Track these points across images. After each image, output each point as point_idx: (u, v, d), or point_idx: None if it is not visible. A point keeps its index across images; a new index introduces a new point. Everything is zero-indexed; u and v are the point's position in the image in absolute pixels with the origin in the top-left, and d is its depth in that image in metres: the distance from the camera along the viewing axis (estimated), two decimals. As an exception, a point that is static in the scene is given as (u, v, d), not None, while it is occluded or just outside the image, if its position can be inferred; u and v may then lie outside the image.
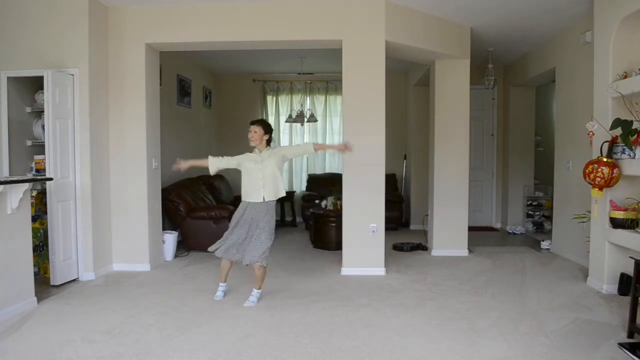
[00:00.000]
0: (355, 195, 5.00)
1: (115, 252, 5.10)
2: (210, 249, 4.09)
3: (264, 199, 3.96)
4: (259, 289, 4.03)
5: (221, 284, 4.16)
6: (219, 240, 4.04)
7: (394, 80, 8.21)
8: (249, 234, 3.96)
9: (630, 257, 3.60)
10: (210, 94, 8.45)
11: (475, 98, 6.98)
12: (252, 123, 4.10)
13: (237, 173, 9.17)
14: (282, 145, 8.82)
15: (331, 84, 8.58)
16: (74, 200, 4.64)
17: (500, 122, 8.04)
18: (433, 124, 5.92)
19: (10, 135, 4.63)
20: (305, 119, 8.14)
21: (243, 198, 4.02)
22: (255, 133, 4.02)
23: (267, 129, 4.07)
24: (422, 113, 7.69)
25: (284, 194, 4.13)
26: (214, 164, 4.09)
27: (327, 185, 7.77)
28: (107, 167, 5.02)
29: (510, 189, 7.78)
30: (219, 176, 7.86)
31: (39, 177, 4.31)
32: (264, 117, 8.78)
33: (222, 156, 4.13)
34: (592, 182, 4.04)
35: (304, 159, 8.86)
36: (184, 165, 4.08)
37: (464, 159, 5.84)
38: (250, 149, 4.11)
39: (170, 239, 5.57)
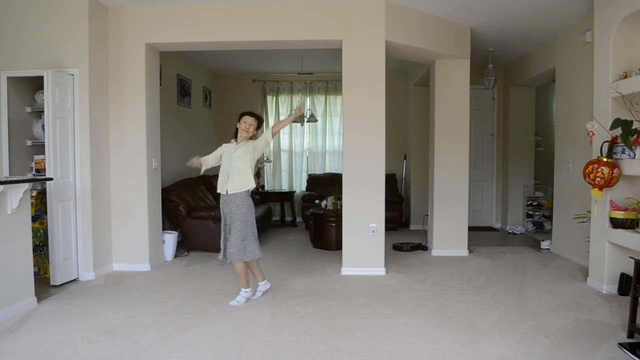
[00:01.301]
0: (355, 195, 4.99)
1: (115, 252, 5.10)
2: (219, 258, 4.00)
3: (227, 191, 3.88)
4: (243, 287, 4.01)
5: (245, 290, 4.01)
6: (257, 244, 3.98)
7: (394, 80, 8.22)
8: (227, 229, 3.92)
9: (630, 257, 3.60)
10: (210, 94, 8.45)
11: (475, 98, 7.00)
12: (249, 114, 3.98)
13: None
14: (281, 146, 8.84)
15: (331, 84, 8.58)
16: (74, 200, 4.64)
17: (500, 122, 8.04)
18: (433, 124, 5.92)
19: (10, 135, 4.63)
20: (305, 119, 8.15)
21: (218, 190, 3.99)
22: (252, 126, 3.96)
23: (261, 124, 4.06)
24: (422, 113, 7.70)
25: (251, 186, 3.95)
26: (208, 164, 4.04)
27: (327, 185, 7.78)
28: (107, 167, 5.02)
29: (510, 189, 7.78)
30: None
31: (39, 177, 4.31)
32: (264, 117, 8.79)
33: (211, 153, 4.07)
34: (592, 182, 4.04)
35: (304, 159, 8.86)
36: (196, 162, 4.01)
37: (464, 159, 5.84)
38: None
39: (170, 239, 5.57)
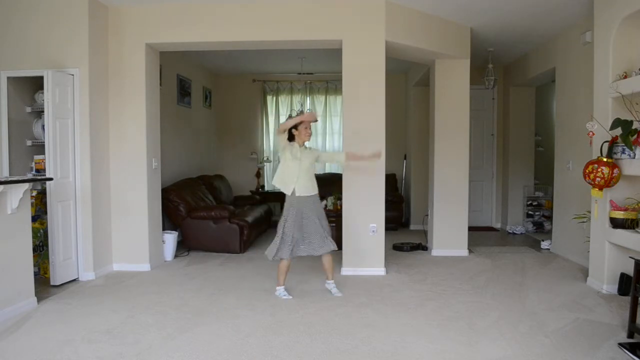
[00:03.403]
0: (355, 195, 4.99)
1: (115, 252, 5.10)
2: (270, 257, 4.09)
3: (299, 192, 4.05)
4: (333, 278, 4.28)
5: (281, 287, 4.19)
6: (276, 246, 4.04)
7: (394, 80, 8.21)
8: (298, 228, 4.07)
9: (630, 257, 3.60)
10: (210, 94, 8.45)
11: (475, 98, 6.99)
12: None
13: (237, 173, 9.14)
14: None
15: (331, 84, 8.58)
16: (74, 200, 4.64)
17: (500, 122, 8.04)
18: (433, 124, 5.92)
19: (10, 135, 4.63)
20: (305, 119, 8.13)
21: (290, 190, 4.06)
22: (310, 130, 4.16)
23: None
24: (422, 113, 7.70)
25: (316, 191, 4.21)
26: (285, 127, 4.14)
27: (327, 185, 7.75)
28: (107, 167, 5.02)
29: (510, 189, 7.78)
30: (219, 176, 7.88)
31: (39, 177, 4.31)
32: (264, 117, 8.80)
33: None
34: (592, 182, 4.04)
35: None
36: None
37: (464, 159, 5.84)
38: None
39: (170, 239, 5.57)
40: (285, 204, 4.12)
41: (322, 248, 4.11)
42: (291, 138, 4.13)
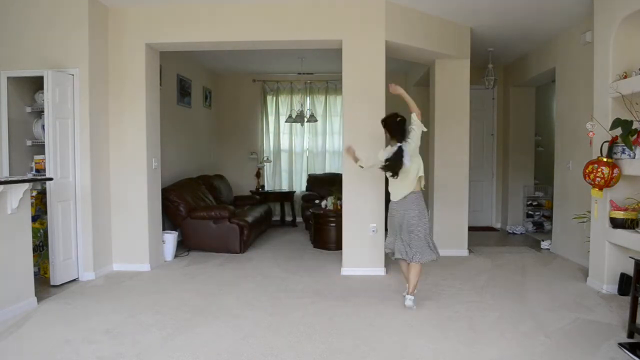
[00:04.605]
0: (355, 195, 4.99)
1: (115, 252, 5.10)
2: (433, 257, 3.83)
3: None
4: (412, 293, 3.86)
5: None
6: (428, 248, 3.83)
7: (394, 80, 8.16)
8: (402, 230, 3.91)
9: (630, 257, 3.61)
10: (210, 94, 8.45)
11: (475, 98, 6.99)
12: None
13: (237, 173, 9.13)
14: (281, 146, 8.85)
15: (331, 84, 8.58)
16: (74, 200, 4.64)
17: (500, 122, 8.04)
18: (433, 124, 5.92)
19: (10, 135, 4.63)
20: (305, 119, 8.15)
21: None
22: None
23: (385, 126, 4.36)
24: (422, 113, 7.67)
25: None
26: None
27: (327, 185, 7.77)
28: (107, 167, 5.02)
29: (510, 189, 7.78)
30: (219, 176, 7.88)
31: (39, 177, 4.31)
32: (264, 117, 8.80)
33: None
34: (592, 182, 4.04)
35: (304, 159, 8.85)
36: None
37: (464, 159, 5.84)
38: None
39: (170, 239, 5.57)
40: (422, 202, 3.88)
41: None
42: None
